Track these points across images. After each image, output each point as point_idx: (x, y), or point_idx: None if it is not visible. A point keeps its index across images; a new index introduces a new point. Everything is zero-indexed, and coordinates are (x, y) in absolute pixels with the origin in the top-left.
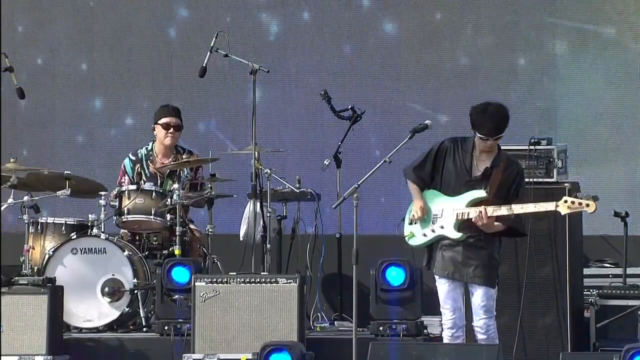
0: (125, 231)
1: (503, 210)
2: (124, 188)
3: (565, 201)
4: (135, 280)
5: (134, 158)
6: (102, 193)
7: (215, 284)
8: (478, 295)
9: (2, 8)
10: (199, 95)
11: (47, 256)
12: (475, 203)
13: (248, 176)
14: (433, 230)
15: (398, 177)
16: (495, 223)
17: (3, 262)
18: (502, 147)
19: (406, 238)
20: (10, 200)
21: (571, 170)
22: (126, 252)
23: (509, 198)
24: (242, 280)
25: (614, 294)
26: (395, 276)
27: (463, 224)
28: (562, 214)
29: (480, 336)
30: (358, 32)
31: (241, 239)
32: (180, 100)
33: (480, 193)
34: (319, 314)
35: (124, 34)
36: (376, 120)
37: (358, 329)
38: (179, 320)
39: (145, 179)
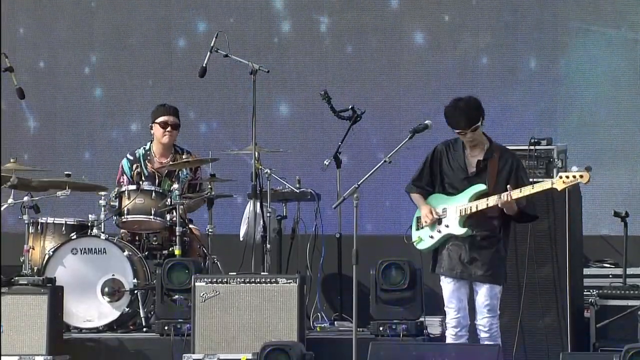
0: (125, 231)
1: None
2: (123, 188)
3: (560, 177)
4: (135, 281)
5: (131, 158)
6: (102, 193)
7: (215, 284)
8: (482, 294)
9: (3, 10)
10: (199, 96)
11: (47, 256)
12: (477, 197)
13: (248, 176)
14: (439, 231)
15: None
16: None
17: (3, 262)
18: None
19: (414, 244)
20: (10, 200)
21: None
22: (126, 252)
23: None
24: (242, 280)
25: (614, 294)
26: (395, 276)
27: (467, 220)
28: (559, 189)
29: (483, 335)
30: (359, 33)
31: (241, 239)
32: (180, 101)
33: (481, 187)
34: (319, 314)
35: (124, 35)
36: (376, 120)
37: (358, 329)
38: (179, 320)
39: (143, 179)
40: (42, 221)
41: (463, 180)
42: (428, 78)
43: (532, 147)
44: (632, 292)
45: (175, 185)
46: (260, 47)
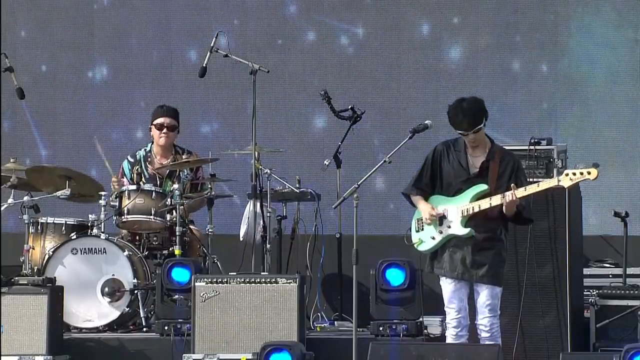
0: (125, 231)
1: (520, 192)
2: (123, 188)
3: (567, 174)
4: (135, 280)
5: (132, 160)
6: (102, 193)
7: (215, 284)
8: (484, 295)
9: (5, 13)
10: (199, 96)
11: (47, 256)
12: (478, 197)
13: (248, 176)
14: (441, 232)
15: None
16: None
17: (3, 262)
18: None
19: (415, 245)
20: (10, 200)
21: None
22: (126, 252)
23: (509, 188)
24: (242, 280)
25: (614, 294)
26: (395, 276)
27: (469, 220)
28: (566, 187)
29: (483, 334)
30: (359, 32)
31: (241, 239)
32: (180, 101)
33: (482, 186)
34: (319, 314)
35: (125, 35)
36: (376, 120)
37: (358, 329)
38: (179, 320)
39: (144, 181)
40: (42, 221)
41: (464, 180)
42: (428, 78)
43: (532, 147)
44: (632, 292)
45: (176, 185)
46: (261, 48)
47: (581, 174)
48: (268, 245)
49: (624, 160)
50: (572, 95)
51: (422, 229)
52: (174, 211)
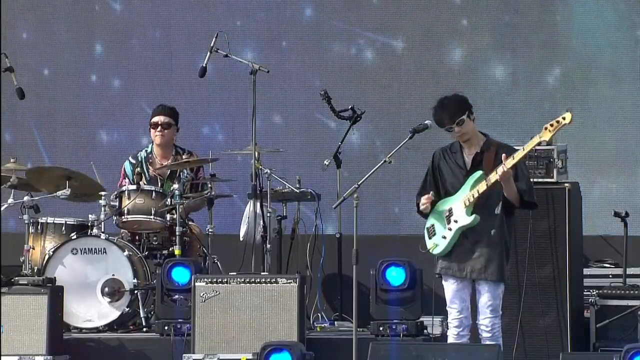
0: (125, 231)
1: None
2: (123, 188)
3: (545, 128)
4: (135, 280)
5: (134, 161)
6: (102, 193)
7: (215, 284)
8: (485, 294)
9: (6, 13)
10: (199, 96)
11: (47, 256)
12: (477, 184)
13: (248, 176)
14: (450, 229)
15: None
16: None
17: (3, 262)
18: None
19: (431, 250)
20: (10, 200)
21: (571, 171)
22: (126, 252)
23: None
24: (242, 280)
25: (614, 294)
26: (395, 276)
27: (473, 208)
28: (548, 139)
29: (484, 334)
30: (360, 33)
31: (241, 239)
32: (180, 101)
33: (478, 173)
34: (319, 314)
35: (125, 36)
36: (376, 120)
37: (358, 329)
38: (179, 320)
39: (145, 182)
40: (42, 221)
41: (463, 178)
42: (428, 78)
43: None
44: (632, 292)
45: (176, 185)
46: (262, 47)
47: (557, 122)
48: (268, 245)
49: (624, 160)
50: (573, 96)
51: (434, 234)
52: (174, 211)
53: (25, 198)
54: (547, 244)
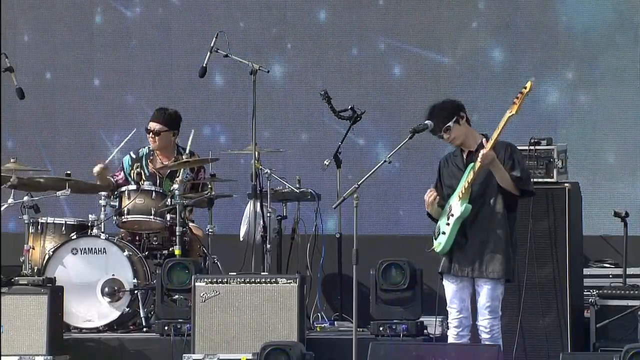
0: (125, 231)
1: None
2: (123, 188)
3: (513, 102)
4: (135, 280)
5: (134, 156)
6: (102, 193)
7: (215, 284)
8: (484, 295)
9: (6, 13)
10: (199, 96)
11: (47, 256)
12: (468, 176)
13: (248, 176)
14: (448, 224)
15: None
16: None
17: (3, 262)
18: None
19: (436, 250)
20: (10, 200)
21: (571, 171)
22: (126, 252)
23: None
24: (242, 280)
25: (614, 294)
26: (395, 276)
27: (472, 203)
28: (516, 112)
29: (484, 335)
30: (361, 33)
31: (241, 239)
32: (180, 101)
33: (470, 166)
34: (319, 314)
35: (126, 36)
36: (376, 120)
37: (358, 329)
38: (179, 320)
39: (144, 178)
40: (42, 221)
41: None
42: (428, 78)
43: (532, 147)
44: (632, 292)
45: (176, 185)
46: (262, 47)
47: (521, 93)
48: (268, 245)
49: (624, 160)
50: (572, 95)
51: (439, 234)
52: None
53: (25, 198)
54: (547, 244)
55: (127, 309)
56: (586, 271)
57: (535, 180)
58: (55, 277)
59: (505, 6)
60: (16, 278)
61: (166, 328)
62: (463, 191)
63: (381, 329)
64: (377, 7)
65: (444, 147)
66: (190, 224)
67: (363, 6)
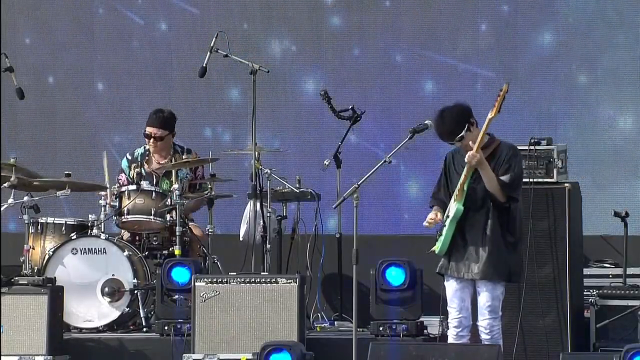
0: (125, 231)
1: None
2: (123, 188)
3: (493, 106)
4: (135, 280)
5: (130, 158)
6: (102, 193)
7: (215, 284)
8: (484, 295)
9: (6, 13)
10: (199, 96)
11: (47, 256)
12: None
13: (248, 176)
14: (445, 225)
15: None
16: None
17: (3, 262)
18: None
19: (436, 251)
20: (10, 200)
21: (571, 171)
22: (126, 252)
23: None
24: (242, 280)
25: (614, 294)
26: (395, 276)
27: (469, 203)
28: (494, 114)
29: (484, 336)
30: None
31: (241, 239)
32: (180, 101)
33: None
34: (319, 314)
35: (126, 36)
36: (376, 120)
37: (358, 329)
38: (179, 320)
39: (142, 179)
40: (42, 221)
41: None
42: (428, 78)
43: (532, 147)
44: (632, 292)
45: (176, 185)
46: (262, 47)
47: (498, 96)
48: (268, 245)
49: (624, 160)
50: (572, 95)
51: (440, 235)
52: (173, 211)
53: (25, 198)
54: (547, 244)
55: (127, 309)
56: (586, 271)
57: (535, 180)
58: (55, 277)
59: (504, 5)
60: (16, 278)
61: (166, 328)
62: (457, 192)
63: (381, 329)
64: (377, 7)
65: (444, 147)
66: (190, 224)
67: (363, 7)
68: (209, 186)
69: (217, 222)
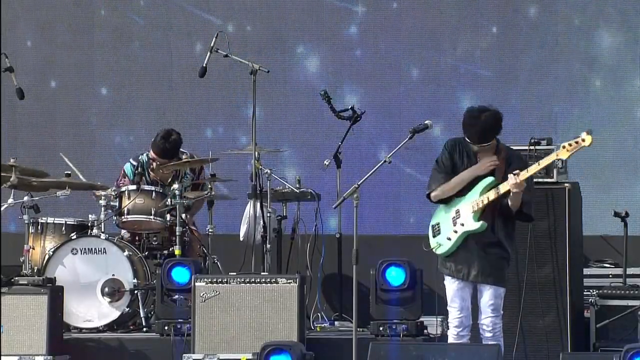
0: (125, 231)
1: (523, 174)
2: (123, 188)
3: (563, 146)
4: (135, 280)
5: (135, 163)
6: (102, 193)
7: (215, 284)
8: (487, 295)
9: (6, 13)
10: (199, 96)
11: (47, 256)
12: (487, 190)
13: (248, 176)
14: (455, 231)
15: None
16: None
17: (3, 262)
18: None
19: (434, 250)
20: (10, 200)
21: (571, 171)
22: (126, 252)
23: None
24: (242, 280)
25: (614, 294)
26: (395, 276)
27: (481, 214)
28: (565, 158)
29: (486, 334)
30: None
31: (241, 239)
32: (180, 101)
33: (489, 179)
34: (319, 314)
35: (126, 37)
36: (377, 120)
37: (358, 329)
38: (179, 320)
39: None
40: (42, 221)
41: (472, 182)
42: (428, 78)
43: (532, 147)
44: (632, 292)
45: (176, 185)
46: (262, 47)
47: (576, 142)
48: (268, 245)
49: (624, 160)
50: (572, 96)
51: (439, 233)
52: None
53: (25, 198)
54: (547, 244)
55: (127, 309)
56: (586, 271)
57: (535, 180)
58: (55, 277)
59: (505, 6)
60: (16, 278)
61: (166, 328)
62: (480, 205)
63: (381, 329)
64: (378, 8)
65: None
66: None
67: (370, 8)
68: (209, 186)
69: (217, 222)
